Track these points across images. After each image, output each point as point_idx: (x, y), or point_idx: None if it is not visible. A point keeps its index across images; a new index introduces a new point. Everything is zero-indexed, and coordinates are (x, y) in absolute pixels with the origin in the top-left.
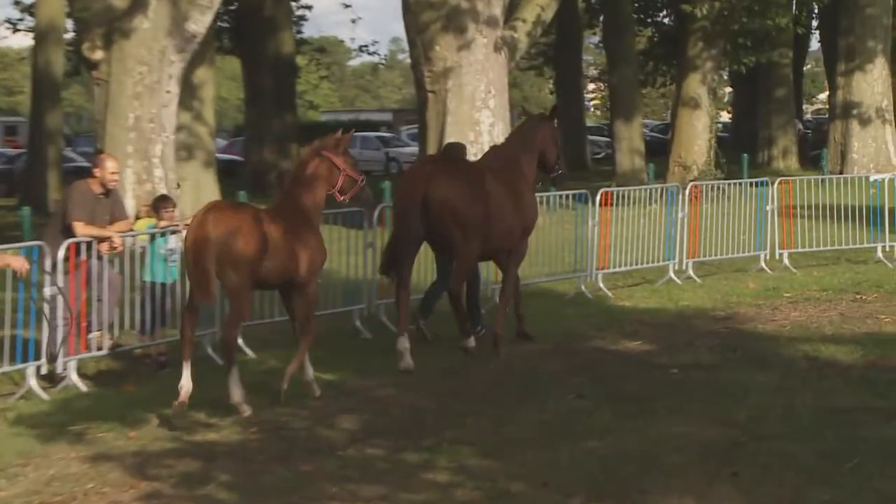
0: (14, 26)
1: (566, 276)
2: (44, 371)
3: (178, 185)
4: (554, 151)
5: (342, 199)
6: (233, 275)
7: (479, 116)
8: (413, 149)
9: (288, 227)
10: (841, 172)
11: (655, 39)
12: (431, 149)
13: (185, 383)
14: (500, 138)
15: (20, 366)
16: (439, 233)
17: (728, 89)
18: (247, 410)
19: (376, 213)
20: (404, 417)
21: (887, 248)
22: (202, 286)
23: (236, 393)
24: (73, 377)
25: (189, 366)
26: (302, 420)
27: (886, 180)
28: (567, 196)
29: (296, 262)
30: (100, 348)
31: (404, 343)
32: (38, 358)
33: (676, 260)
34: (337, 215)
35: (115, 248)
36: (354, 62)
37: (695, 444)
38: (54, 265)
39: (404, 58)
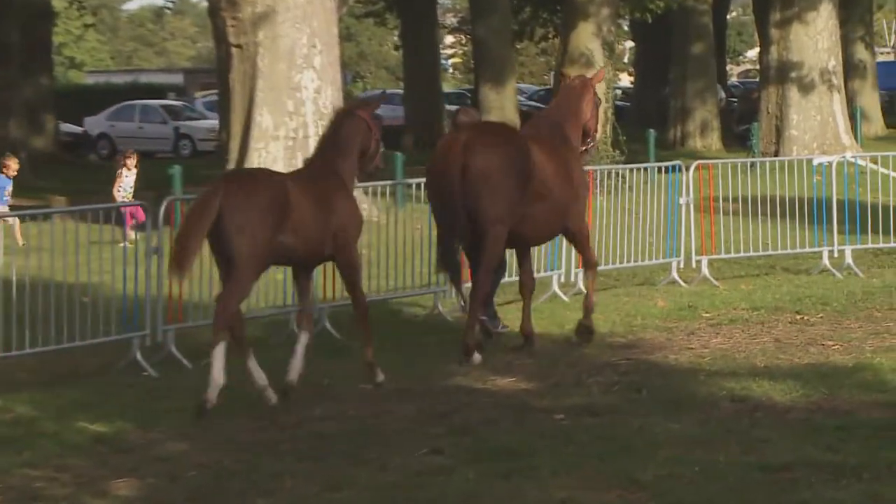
0: None
1: (417, 293)
2: None
3: None
4: (595, 121)
5: (369, 168)
6: (244, 244)
7: (300, 79)
8: (212, 122)
9: (319, 194)
10: (776, 154)
11: None
12: (237, 122)
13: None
14: (328, 107)
15: None
16: (470, 211)
17: (629, 44)
18: (273, 398)
19: (163, 209)
20: (201, 481)
21: (835, 254)
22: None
23: (260, 377)
24: None
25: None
26: (62, 486)
27: (834, 164)
28: (412, 186)
29: (325, 234)
30: None
31: (473, 336)
32: None
33: (562, 270)
34: (98, 212)
35: None
36: (131, 5)
37: None
38: None
39: (199, 1)
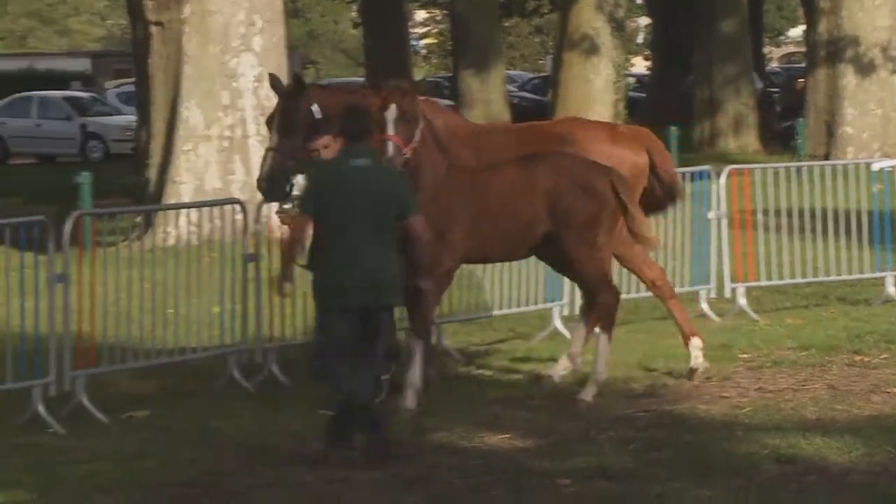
0: None
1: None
2: None
3: None
4: None
5: None
6: None
7: (236, 64)
8: (127, 118)
9: None
10: (826, 157)
11: None
12: (159, 118)
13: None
14: (272, 99)
15: None
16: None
17: (643, 21)
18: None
19: (68, 226)
20: None
21: None
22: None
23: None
24: None
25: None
26: None
27: None
28: None
29: None
30: None
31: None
32: None
33: (566, 300)
34: (1, 228)
35: None
36: None
37: None
38: None
39: None
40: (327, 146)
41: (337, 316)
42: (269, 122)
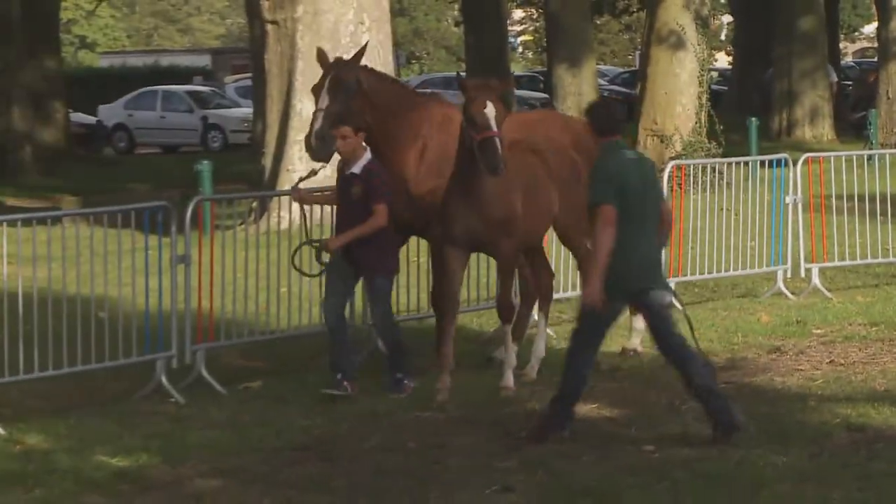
0: None
1: (483, 307)
2: None
3: None
4: None
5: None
6: None
7: None
8: (245, 111)
9: None
10: None
11: None
12: (274, 110)
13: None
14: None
15: None
16: None
17: (727, 19)
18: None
19: (189, 211)
20: None
21: None
22: None
23: None
24: None
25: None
26: None
27: None
28: None
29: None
30: None
31: None
32: None
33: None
34: (115, 214)
35: None
36: None
37: None
38: None
39: None
40: (346, 137)
41: (614, 301)
42: (315, 91)
